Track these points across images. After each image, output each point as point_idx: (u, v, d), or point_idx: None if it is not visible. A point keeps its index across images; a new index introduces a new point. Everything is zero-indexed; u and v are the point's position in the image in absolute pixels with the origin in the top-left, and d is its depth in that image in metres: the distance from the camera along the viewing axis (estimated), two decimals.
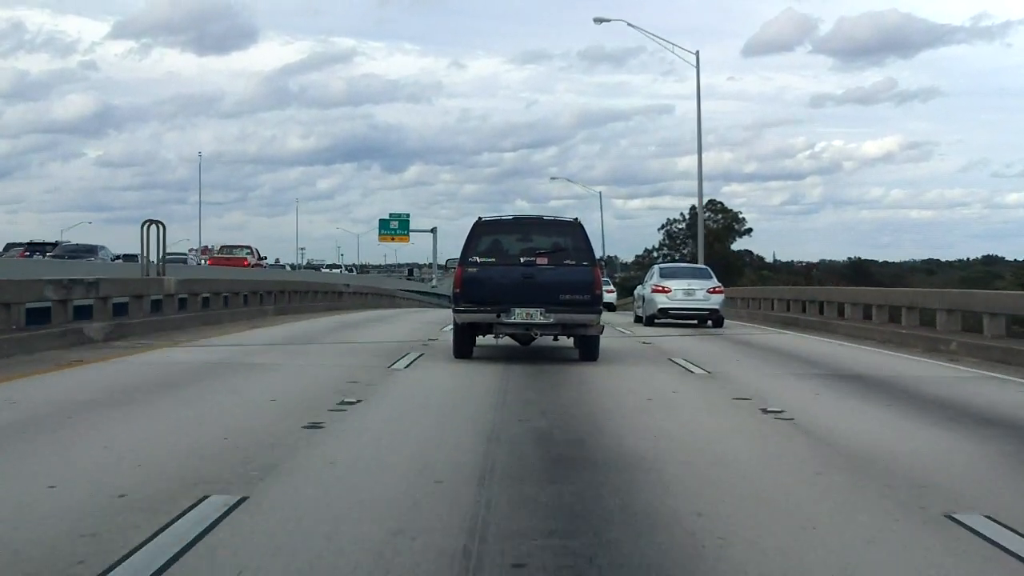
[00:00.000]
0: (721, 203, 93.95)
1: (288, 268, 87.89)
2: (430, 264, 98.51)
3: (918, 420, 9.25)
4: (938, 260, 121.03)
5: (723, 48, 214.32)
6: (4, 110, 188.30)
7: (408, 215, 78.01)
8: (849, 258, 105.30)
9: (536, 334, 15.01)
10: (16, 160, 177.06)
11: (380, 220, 76.90)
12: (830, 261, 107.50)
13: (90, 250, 42.90)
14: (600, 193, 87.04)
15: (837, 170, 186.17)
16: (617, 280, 79.22)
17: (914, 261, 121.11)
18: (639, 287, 30.20)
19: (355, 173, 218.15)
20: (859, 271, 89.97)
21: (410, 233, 77.84)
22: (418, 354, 15.36)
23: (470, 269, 14.53)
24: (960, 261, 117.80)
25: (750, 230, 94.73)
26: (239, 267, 50.90)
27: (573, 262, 14.57)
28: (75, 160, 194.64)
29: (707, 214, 73.36)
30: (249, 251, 59.21)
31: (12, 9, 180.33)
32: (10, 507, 5.31)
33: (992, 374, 13.86)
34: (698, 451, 7.26)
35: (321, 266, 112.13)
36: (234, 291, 26.96)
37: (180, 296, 22.94)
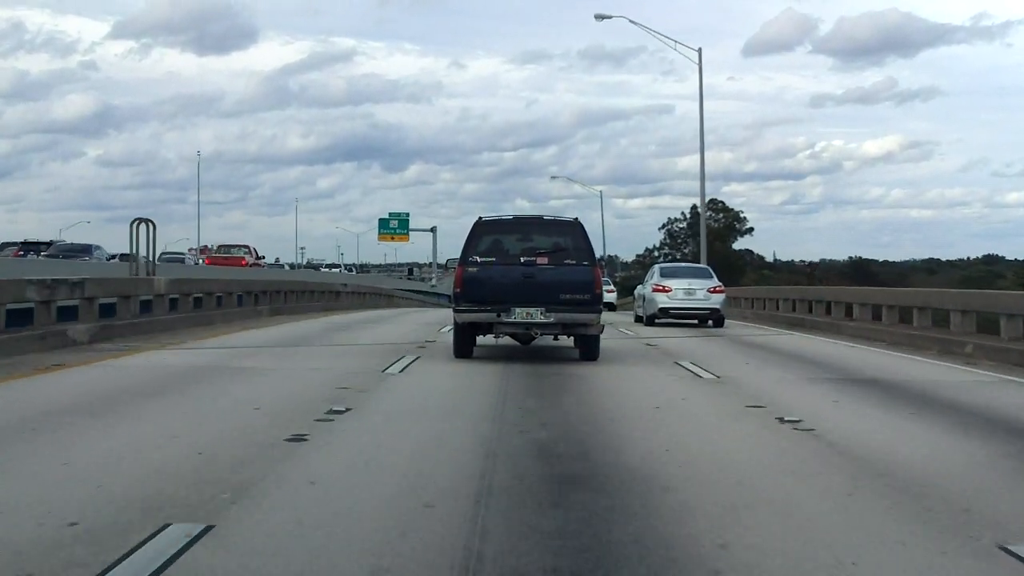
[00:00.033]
0: (722, 202, 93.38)
1: (287, 268, 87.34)
2: (430, 263, 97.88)
3: (947, 431, 8.63)
4: (939, 259, 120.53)
5: (723, 48, 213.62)
6: (4, 110, 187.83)
7: (408, 214, 77.41)
8: (850, 257, 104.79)
9: (536, 333, 14.95)
10: (16, 160, 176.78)
11: (380, 219, 76.31)
12: (830, 260, 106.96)
13: (85, 249, 42.32)
14: (601, 192, 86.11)
15: (837, 170, 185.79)
16: (617, 279, 78.69)
17: (914, 260, 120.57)
18: (639, 287, 29.93)
19: (355, 172, 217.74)
20: (861, 271, 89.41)
21: (410, 232, 77.20)
22: (414, 357, 14.76)
23: (470, 269, 14.48)
24: (961, 260, 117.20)
25: (751, 229, 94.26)
26: (237, 267, 50.38)
27: (573, 262, 14.52)
28: (75, 160, 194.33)
29: (708, 213, 72.71)
30: (247, 250, 58.64)
31: (12, 9, 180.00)
32: None
33: (1012, 378, 13.26)
34: (715, 468, 6.63)
35: (321, 265, 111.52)
36: (227, 291, 26.32)
37: (171, 296, 22.33)
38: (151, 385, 10.89)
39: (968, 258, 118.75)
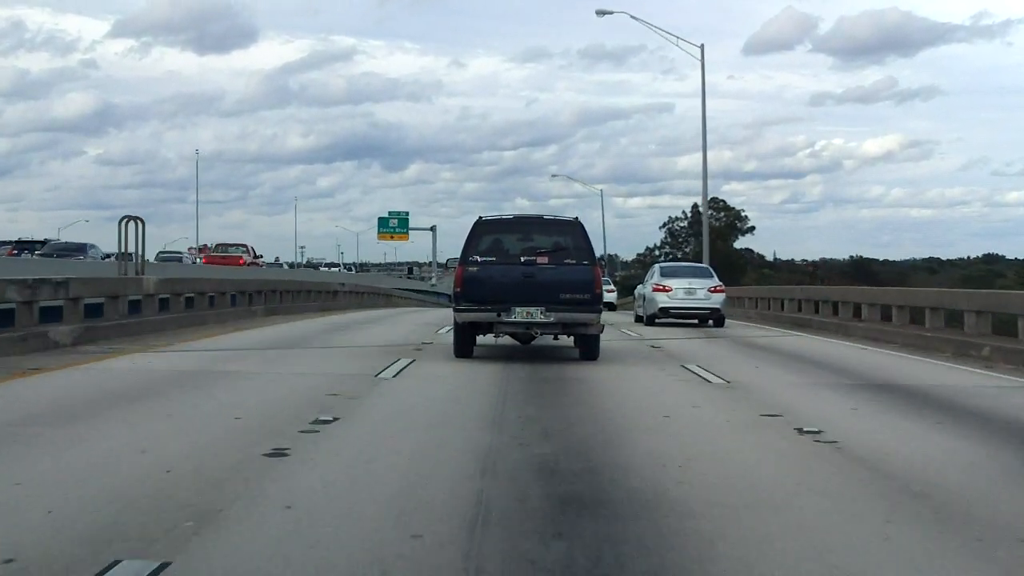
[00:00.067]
0: (723, 201, 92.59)
1: (286, 267, 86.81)
2: (430, 263, 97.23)
3: (980, 443, 8.01)
4: (939, 259, 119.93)
5: (724, 47, 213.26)
6: (4, 109, 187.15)
7: (407, 213, 76.66)
8: (851, 256, 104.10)
9: (536, 333, 14.90)
10: (16, 159, 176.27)
11: (379, 218, 75.59)
12: (831, 260, 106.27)
13: (79, 248, 41.74)
14: (601, 191, 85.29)
15: (837, 169, 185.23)
16: (617, 279, 78.08)
17: (915, 260, 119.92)
18: (640, 286, 29.71)
19: (355, 171, 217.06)
20: (862, 270, 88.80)
21: (409, 231, 76.48)
22: (409, 360, 14.14)
23: (471, 268, 14.45)
24: (961, 260, 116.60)
25: (752, 228, 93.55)
26: (234, 266, 49.82)
27: (573, 261, 14.51)
28: (75, 158, 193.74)
29: (710, 212, 72.07)
30: (245, 249, 58.11)
31: (12, 8, 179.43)
32: None
33: None
34: (735, 490, 6.00)
35: (320, 265, 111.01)
36: (220, 291, 25.70)
37: (161, 296, 21.69)
38: (129, 391, 10.28)
39: (968, 257, 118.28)
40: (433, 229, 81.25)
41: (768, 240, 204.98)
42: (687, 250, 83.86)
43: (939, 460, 7.17)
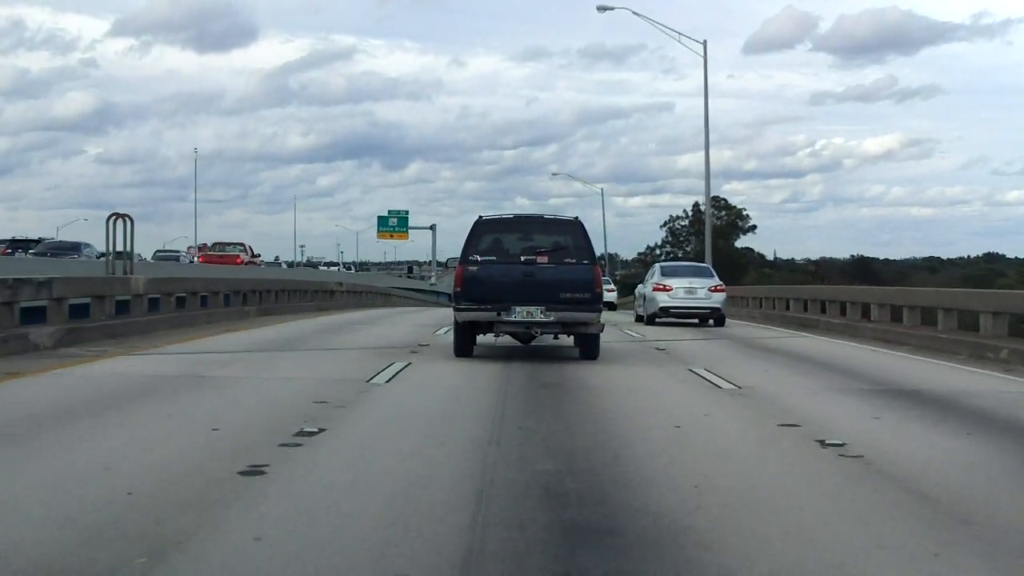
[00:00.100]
0: (725, 199, 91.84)
1: (285, 266, 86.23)
2: (430, 262, 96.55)
3: (1016, 456, 7.40)
4: (939, 258, 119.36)
5: (724, 46, 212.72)
6: (4, 108, 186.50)
7: (407, 212, 75.93)
8: (852, 256, 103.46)
9: (536, 332, 14.94)
10: (16, 157, 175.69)
11: (379, 217, 74.88)
12: (831, 259, 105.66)
13: (74, 247, 41.18)
14: (602, 190, 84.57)
15: (837, 168, 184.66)
16: (618, 278, 77.46)
17: (915, 259, 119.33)
18: (640, 285, 29.55)
19: (355, 170, 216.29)
20: (863, 269, 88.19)
21: (409, 230, 75.81)
22: (404, 364, 13.52)
23: (471, 267, 14.46)
24: (961, 259, 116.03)
25: (754, 227, 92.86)
26: (231, 265, 49.24)
27: (573, 260, 14.52)
28: (75, 157, 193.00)
29: (711, 211, 71.44)
30: (242, 248, 57.52)
31: (12, 7, 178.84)
32: None
33: None
34: (759, 515, 5.37)
35: (319, 264, 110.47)
36: (213, 291, 25.06)
37: (151, 296, 21.06)
38: (102, 399, 9.65)
39: (968, 256, 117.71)
40: (433, 228, 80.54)
41: (768, 239, 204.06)
42: (688, 249, 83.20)
43: (979, 479, 6.54)
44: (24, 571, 4.19)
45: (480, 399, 10.13)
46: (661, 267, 29.18)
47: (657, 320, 26.25)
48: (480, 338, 15.07)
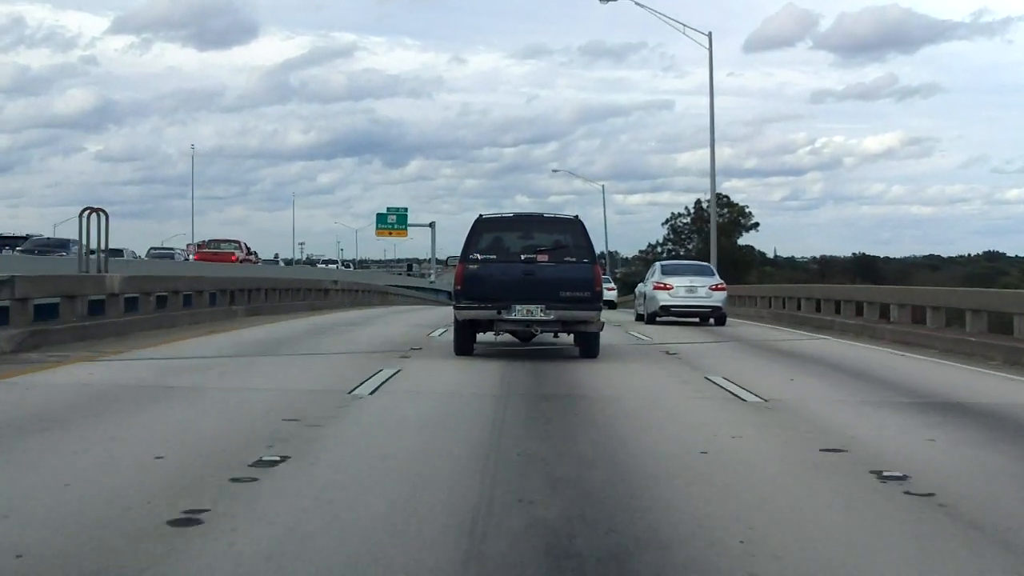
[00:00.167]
0: (727, 197, 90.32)
1: (283, 263, 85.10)
2: (429, 259, 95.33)
3: None
4: (940, 256, 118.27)
5: (724, 44, 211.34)
6: (5, 105, 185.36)
7: (406, 209, 74.72)
8: (854, 254, 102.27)
9: (536, 331, 15.14)
10: (17, 155, 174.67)
11: (378, 214, 73.77)
12: (831, 257, 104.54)
13: (61, 244, 39.98)
14: (603, 187, 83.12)
15: (838, 166, 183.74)
16: (618, 276, 76.30)
17: (915, 257, 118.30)
18: (640, 284, 29.11)
19: (356, 168, 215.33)
20: (866, 267, 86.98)
21: (408, 228, 74.54)
22: (394, 370, 12.31)
23: (471, 266, 14.45)
24: (961, 257, 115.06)
25: (756, 225, 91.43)
26: (226, 262, 48.06)
27: (573, 259, 14.51)
28: (75, 155, 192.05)
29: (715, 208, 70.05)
30: (237, 245, 56.22)
31: (12, 4, 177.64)
32: None
33: None
34: None
35: (318, 261, 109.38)
36: (197, 289, 23.81)
37: (129, 296, 19.83)
38: (45, 414, 8.43)
39: (969, 255, 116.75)
40: (432, 225, 79.17)
41: (769, 237, 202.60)
42: (690, 247, 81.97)
43: None
44: None
45: (475, 414, 8.92)
46: (662, 265, 28.80)
47: (658, 319, 25.87)
48: (480, 336, 15.01)
